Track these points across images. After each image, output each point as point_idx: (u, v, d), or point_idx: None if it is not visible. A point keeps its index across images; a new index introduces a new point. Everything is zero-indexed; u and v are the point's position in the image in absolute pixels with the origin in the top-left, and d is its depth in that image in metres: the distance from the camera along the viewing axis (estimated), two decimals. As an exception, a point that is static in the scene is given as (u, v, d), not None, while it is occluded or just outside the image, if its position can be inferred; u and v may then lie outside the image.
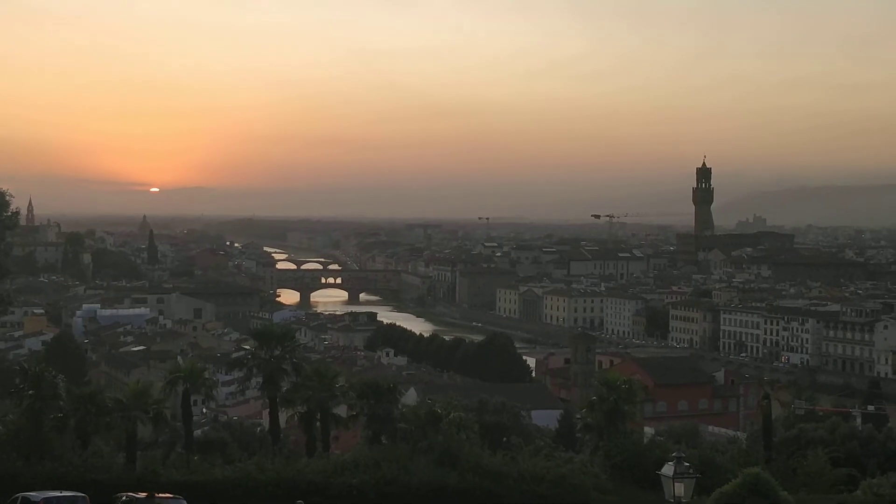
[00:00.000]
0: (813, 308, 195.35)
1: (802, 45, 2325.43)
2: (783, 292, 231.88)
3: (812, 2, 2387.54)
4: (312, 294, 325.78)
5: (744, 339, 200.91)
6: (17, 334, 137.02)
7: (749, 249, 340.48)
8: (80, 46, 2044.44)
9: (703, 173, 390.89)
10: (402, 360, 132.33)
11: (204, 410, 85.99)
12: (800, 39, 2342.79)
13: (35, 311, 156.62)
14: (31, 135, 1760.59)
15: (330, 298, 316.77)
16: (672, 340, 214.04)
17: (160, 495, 28.29)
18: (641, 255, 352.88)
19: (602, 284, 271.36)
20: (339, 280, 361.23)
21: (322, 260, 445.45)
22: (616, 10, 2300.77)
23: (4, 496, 29.03)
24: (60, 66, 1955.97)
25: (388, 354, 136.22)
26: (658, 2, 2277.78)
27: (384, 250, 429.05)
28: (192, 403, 41.15)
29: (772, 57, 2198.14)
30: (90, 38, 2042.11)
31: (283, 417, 43.93)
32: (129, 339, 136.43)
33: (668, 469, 20.62)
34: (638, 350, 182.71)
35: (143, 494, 28.14)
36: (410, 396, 69.28)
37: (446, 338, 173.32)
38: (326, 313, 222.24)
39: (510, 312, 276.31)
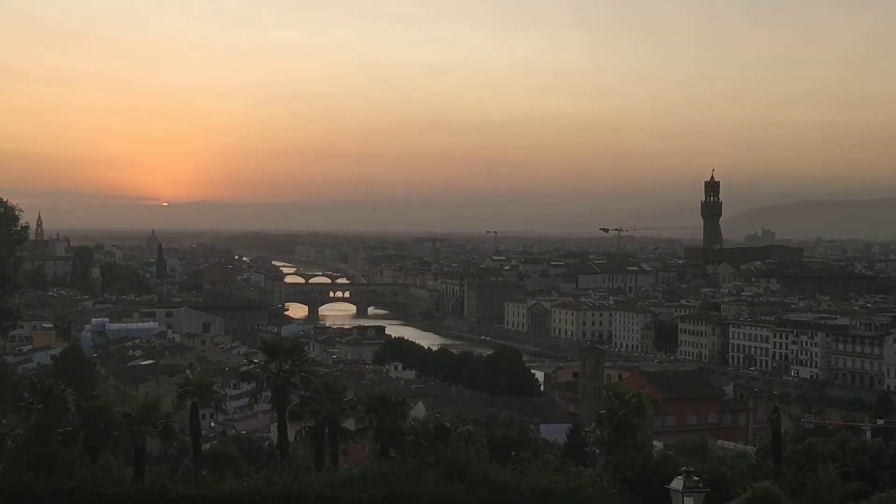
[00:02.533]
0: (822, 322, 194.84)
1: (810, 59, 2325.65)
2: (792, 306, 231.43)
3: (818, 17, 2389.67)
4: (320, 308, 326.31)
5: (753, 352, 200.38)
6: (25, 348, 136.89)
7: (758, 263, 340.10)
8: (90, 61, 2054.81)
9: (712, 187, 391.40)
10: (410, 374, 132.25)
11: (212, 424, 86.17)
12: (807, 54, 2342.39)
13: (44, 325, 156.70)
14: (40, 149, 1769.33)
15: (338, 312, 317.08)
16: (681, 354, 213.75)
17: None
18: (650, 269, 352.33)
19: (610, 298, 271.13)
20: (347, 294, 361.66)
21: (330, 274, 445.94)
22: (623, 25, 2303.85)
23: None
24: (69, 80, 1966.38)
25: (396, 368, 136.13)
26: (665, 17, 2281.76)
27: (392, 264, 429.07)
28: (200, 417, 41.17)
29: (780, 71, 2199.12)
30: (99, 53, 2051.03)
31: (290, 431, 43.90)
32: (138, 353, 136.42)
33: (677, 483, 20.63)
34: (646, 364, 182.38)
35: None
36: (419, 410, 69.09)
37: (454, 351, 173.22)
38: (334, 327, 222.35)
39: (518, 326, 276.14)
